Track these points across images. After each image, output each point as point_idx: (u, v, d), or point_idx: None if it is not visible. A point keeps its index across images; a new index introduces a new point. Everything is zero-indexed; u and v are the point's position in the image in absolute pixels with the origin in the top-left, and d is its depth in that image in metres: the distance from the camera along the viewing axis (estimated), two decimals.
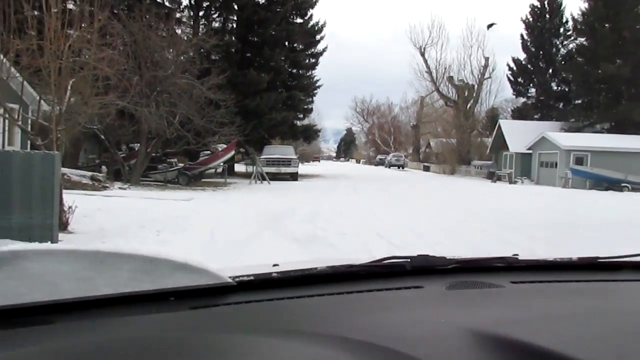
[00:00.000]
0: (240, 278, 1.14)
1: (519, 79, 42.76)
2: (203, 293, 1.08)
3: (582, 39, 36.51)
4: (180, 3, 26.47)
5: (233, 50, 25.91)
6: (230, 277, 1.11)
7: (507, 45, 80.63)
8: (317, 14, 48.44)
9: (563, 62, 39.17)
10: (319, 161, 79.68)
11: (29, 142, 13.80)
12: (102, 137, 18.92)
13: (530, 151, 31.86)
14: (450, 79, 46.95)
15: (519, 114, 42.10)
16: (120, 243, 7.34)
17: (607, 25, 33.06)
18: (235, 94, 21.63)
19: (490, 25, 45.78)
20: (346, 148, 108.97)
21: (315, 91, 32.76)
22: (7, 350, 0.81)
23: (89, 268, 0.96)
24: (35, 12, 8.71)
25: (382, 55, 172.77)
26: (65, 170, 13.61)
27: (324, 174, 35.35)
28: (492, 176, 33.52)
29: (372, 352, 0.85)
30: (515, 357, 0.83)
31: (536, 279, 1.39)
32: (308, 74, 31.91)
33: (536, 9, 41.49)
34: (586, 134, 31.48)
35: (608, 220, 12.16)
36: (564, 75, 38.62)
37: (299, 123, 32.50)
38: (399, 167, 56.59)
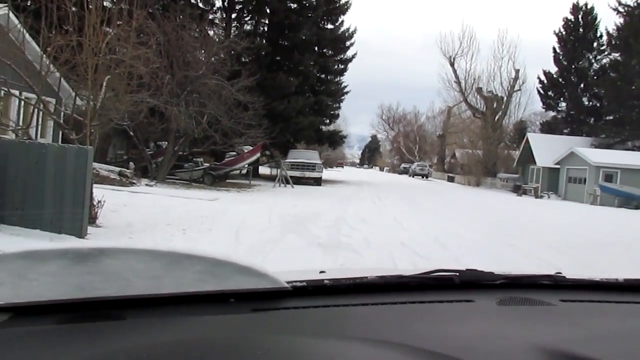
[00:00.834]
0: (294, 283, 1.17)
1: (550, 93, 42.11)
2: (261, 296, 1.11)
3: (616, 54, 35.87)
4: (214, 5, 26.81)
5: (263, 53, 26.06)
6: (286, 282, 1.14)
7: (539, 57, 79.82)
8: (347, 21, 48.72)
9: (595, 77, 38.50)
10: (342, 167, 79.65)
11: (60, 135, 14.15)
12: (132, 133, 19.21)
13: (558, 166, 31.35)
14: (479, 90, 46.51)
15: (548, 127, 41.48)
16: (147, 240, 7.43)
17: None
18: (264, 97, 21.77)
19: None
20: (370, 155, 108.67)
21: (343, 97, 32.81)
22: (84, 345, 0.85)
23: (162, 267, 1.01)
24: (74, 9, 8.89)
25: (410, 64, 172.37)
26: (94, 164, 13.84)
27: (348, 180, 35.30)
28: (518, 189, 33.06)
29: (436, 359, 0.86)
30: None
31: (585, 299, 1.39)
32: (336, 80, 31.97)
33: (570, 23, 40.86)
34: (617, 151, 30.83)
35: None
36: (596, 90, 37.93)
37: (324, 128, 32.54)
38: (423, 177, 56.17)
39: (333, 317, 1.14)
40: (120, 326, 0.97)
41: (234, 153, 24.25)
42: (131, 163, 20.27)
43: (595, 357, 0.89)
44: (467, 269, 1.40)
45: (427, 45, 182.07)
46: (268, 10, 26.78)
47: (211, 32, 24.57)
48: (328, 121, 32.91)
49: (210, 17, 26.24)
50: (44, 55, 8.61)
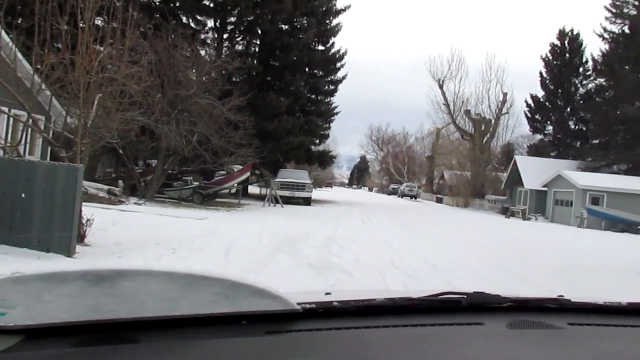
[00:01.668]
0: (304, 305, 1.18)
1: (537, 116, 42.70)
2: (272, 318, 1.12)
3: (602, 80, 36.58)
4: (205, 25, 27.01)
5: (254, 73, 26.19)
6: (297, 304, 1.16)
7: (526, 81, 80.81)
8: (338, 42, 48.86)
9: (581, 102, 39.14)
10: (331, 187, 79.68)
11: (49, 152, 14.05)
12: (121, 151, 19.12)
13: (545, 188, 31.63)
14: (468, 112, 47.02)
15: (535, 150, 41.95)
16: (136, 259, 7.36)
17: (627, 67, 33.07)
18: (254, 116, 21.83)
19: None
20: (359, 175, 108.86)
21: (333, 117, 32.98)
22: None
23: (178, 289, 1.01)
24: (66, 27, 8.91)
25: (400, 85, 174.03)
26: (83, 182, 13.74)
27: (337, 200, 35.31)
28: (506, 211, 33.27)
29: None
30: None
31: (591, 322, 1.41)
32: (326, 100, 32.16)
33: (556, 48, 41.67)
34: (603, 174, 31.19)
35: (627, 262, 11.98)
36: (582, 114, 38.51)
37: (314, 148, 32.63)
38: (411, 197, 56.36)
39: (345, 339, 1.15)
40: (133, 350, 0.96)
41: (224, 172, 24.20)
42: (120, 181, 20.14)
43: None
44: (474, 292, 1.41)
45: (417, 68, 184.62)
46: (259, 31, 27.01)
47: (203, 52, 24.69)
48: (318, 141, 33.01)
49: (202, 37, 26.41)
50: (36, 73, 8.59)
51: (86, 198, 13.17)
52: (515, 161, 36.15)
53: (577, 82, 41.15)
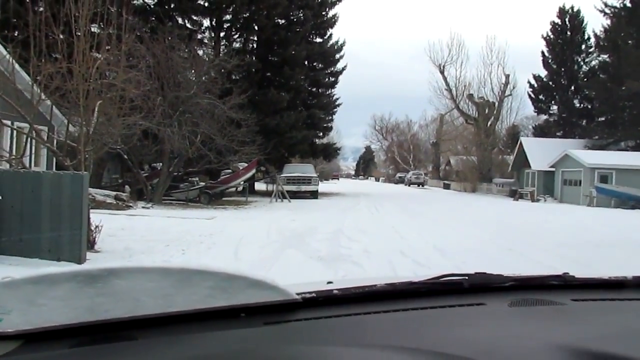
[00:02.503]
0: (304, 295, 1.16)
1: (541, 96, 42.40)
2: (271, 309, 1.11)
3: (605, 56, 36.18)
4: (202, 24, 26.98)
5: (254, 70, 26.16)
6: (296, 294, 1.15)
7: (528, 62, 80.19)
8: (336, 34, 48.61)
9: (585, 79, 38.79)
10: (338, 179, 79.67)
11: (54, 162, 14.12)
12: (125, 157, 19.18)
13: (552, 169, 31.44)
14: (470, 96, 46.74)
15: (541, 131, 41.71)
16: (145, 262, 7.39)
17: (630, 41, 32.70)
18: (256, 113, 21.85)
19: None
20: (365, 166, 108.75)
21: (335, 109, 32.92)
22: None
23: (172, 285, 1.01)
24: (61, 36, 8.93)
25: (401, 73, 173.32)
26: (90, 190, 13.78)
27: (344, 192, 35.30)
28: (514, 194, 33.13)
29: None
30: None
31: (596, 297, 1.40)
32: (328, 93, 32.09)
33: (557, 26, 41.29)
34: (611, 152, 30.97)
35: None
36: (587, 92, 38.22)
37: (318, 141, 32.61)
38: (418, 185, 56.25)
39: (345, 326, 1.14)
40: (131, 347, 0.96)
41: (229, 171, 24.24)
42: (127, 186, 20.20)
43: (616, 353, 0.90)
44: (476, 273, 1.40)
45: (417, 55, 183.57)
46: (256, 27, 26.94)
47: (200, 52, 24.68)
48: (321, 134, 32.98)
49: (199, 36, 26.41)
50: (35, 84, 8.62)
51: (94, 205, 13.26)
52: (521, 143, 35.94)
53: (580, 59, 40.80)
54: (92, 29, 9.19)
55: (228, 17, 26.65)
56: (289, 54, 27.02)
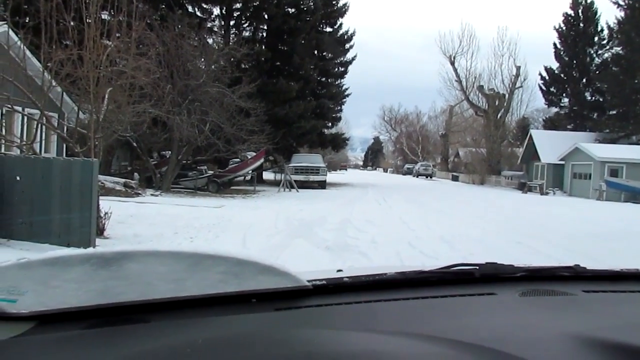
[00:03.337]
0: (315, 282, 1.17)
1: (552, 89, 41.98)
2: (282, 296, 1.12)
3: (618, 48, 35.74)
4: (212, 13, 26.91)
5: (263, 59, 26.11)
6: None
7: (539, 53, 79.47)
8: (346, 23, 48.62)
9: (597, 72, 38.34)
10: (346, 170, 79.60)
11: (64, 149, 14.21)
12: (135, 144, 19.27)
13: (562, 162, 31.22)
14: (481, 88, 46.40)
15: (551, 124, 41.35)
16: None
17: None
18: (265, 103, 21.82)
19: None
20: (373, 157, 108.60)
21: (344, 100, 32.83)
22: (109, 349, 0.86)
23: (184, 269, 1.01)
24: (72, 23, 8.94)
25: (411, 64, 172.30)
26: (99, 177, 13.88)
27: (352, 183, 35.28)
28: (523, 187, 32.97)
29: (482, 352, 0.87)
30: (621, 357, 0.86)
31: (607, 289, 1.39)
32: (337, 83, 32.00)
33: (570, 18, 40.76)
34: (621, 146, 30.70)
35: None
36: (599, 85, 37.78)
37: (327, 131, 32.56)
38: (427, 177, 56.12)
39: (356, 313, 1.15)
40: (144, 329, 0.97)
41: (238, 160, 24.29)
42: (135, 174, 20.32)
43: (630, 343, 0.90)
44: (486, 263, 1.40)
45: (427, 45, 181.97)
46: (266, 16, 26.85)
47: (210, 40, 24.69)
48: (330, 124, 32.93)
49: (209, 25, 26.38)
50: (45, 71, 8.65)
51: (103, 192, 13.34)
52: (531, 135, 35.68)
53: (592, 52, 40.27)
54: (103, 16, 9.21)
55: (238, 5, 26.57)
56: (298, 43, 26.93)
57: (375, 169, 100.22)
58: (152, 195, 16.83)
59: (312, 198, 19.43)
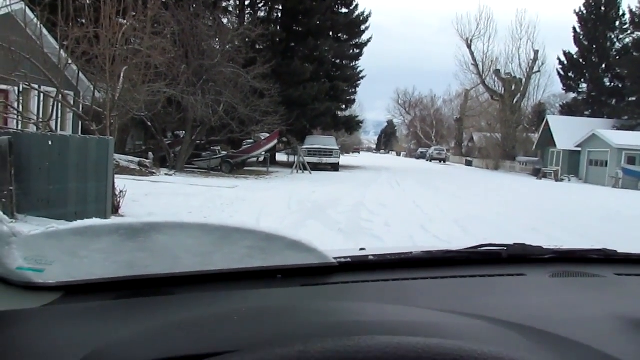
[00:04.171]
0: (340, 259, 1.16)
1: (570, 74, 41.32)
2: (308, 272, 1.11)
3: None
4: None
5: (278, 39, 25.94)
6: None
7: (558, 38, 77.85)
8: (362, 4, 47.90)
9: (618, 57, 37.61)
10: (359, 153, 79.37)
11: (80, 126, 14.30)
12: (149, 124, 19.33)
13: (579, 149, 30.83)
14: (497, 72, 45.78)
15: (569, 109, 40.78)
16: None
17: None
18: (280, 84, 21.72)
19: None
20: (386, 140, 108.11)
21: (359, 82, 32.53)
22: (136, 319, 0.86)
23: (212, 243, 1.00)
24: (88, 0, 8.93)
25: (427, 47, 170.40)
26: (115, 155, 13.99)
27: (365, 166, 35.21)
28: (538, 173, 32.67)
29: (522, 331, 0.84)
30: None
31: (639, 272, 1.37)
32: (352, 65, 31.71)
33: (591, 1, 39.90)
34: None
35: None
36: (618, 70, 37.11)
37: (341, 114, 32.36)
38: (440, 161, 55.81)
39: (383, 290, 1.13)
40: (169, 301, 0.97)
41: (251, 141, 24.30)
42: (150, 153, 20.42)
43: None
44: (514, 243, 1.38)
45: (444, 28, 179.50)
46: None
47: (225, 20, 24.50)
48: (344, 107, 32.72)
49: (224, 4, 26.14)
50: (62, 48, 8.67)
51: (118, 170, 13.43)
52: (547, 121, 35.23)
53: (613, 36, 39.48)
54: None
55: None
56: (313, 24, 26.68)
57: (389, 152, 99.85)
58: (166, 174, 16.93)
59: (325, 180, 19.43)
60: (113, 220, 1.01)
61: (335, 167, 26.43)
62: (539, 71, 44.88)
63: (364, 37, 31.13)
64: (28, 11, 10.03)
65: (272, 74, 21.19)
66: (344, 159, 35.82)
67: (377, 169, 31.70)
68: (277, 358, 0.60)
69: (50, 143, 7.19)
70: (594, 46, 39.69)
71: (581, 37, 40.37)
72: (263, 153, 23.83)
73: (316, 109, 26.40)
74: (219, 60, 18.89)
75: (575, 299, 1.09)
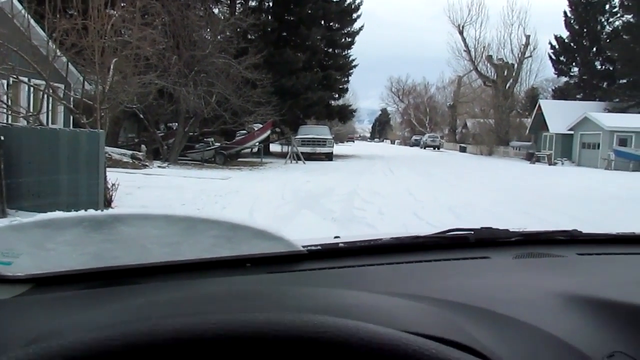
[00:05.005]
0: (310, 247, 1.17)
1: (562, 58, 41.36)
2: (277, 260, 1.12)
3: (629, 16, 35.04)
4: None
5: (269, 29, 25.77)
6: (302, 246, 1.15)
7: (550, 22, 77.86)
8: None
9: (608, 40, 37.65)
10: (353, 141, 79.29)
11: (70, 120, 14.21)
12: (142, 116, 19.21)
13: (571, 132, 30.96)
14: (489, 58, 45.77)
15: (561, 93, 40.85)
16: None
17: None
18: (272, 74, 21.60)
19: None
20: (381, 128, 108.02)
21: (351, 71, 32.41)
22: (104, 306, 0.86)
23: (178, 233, 1.01)
24: None
25: (419, 34, 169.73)
26: (106, 148, 13.88)
27: (359, 155, 35.21)
28: (531, 157, 32.78)
29: (471, 312, 0.87)
30: (614, 314, 0.88)
31: (601, 252, 1.39)
32: (344, 54, 31.57)
33: None
34: (631, 115, 30.33)
35: None
36: (609, 53, 37.15)
37: (334, 103, 32.27)
38: (434, 148, 55.89)
39: (350, 276, 1.15)
40: (139, 289, 0.97)
41: (245, 132, 24.23)
42: (143, 146, 20.34)
43: (615, 299, 0.91)
44: (482, 227, 1.40)
45: (436, 15, 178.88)
46: None
47: (216, 10, 24.32)
48: (337, 96, 32.62)
49: None
50: (50, 40, 8.59)
51: (110, 163, 13.39)
52: (539, 106, 35.31)
53: (603, 20, 39.48)
54: None
55: None
56: (305, 13, 26.52)
57: (383, 140, 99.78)
58: (159, 167, 16.88)
59: (318, 170, 19.43)
60: (75, 212, 1.01)
61: (329, 157, 26.41)
62: (530, 56, 44.99)
63: (356, 26, 31.01)
64: (15, 2, 9.93)
65: (264, 64, 21.07)
66: (338, 148, 35.79)
67: (371, 158, 31.71)
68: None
69: (40, 137, 7.15)
70: (585, 30, 39.69)
71: (572, 21, 40.35)
72: (257, 144, 23.77)
73: (309, 99, 26.31)
74: (211, 51, 18.77)
75: (531, 280, 1.11)
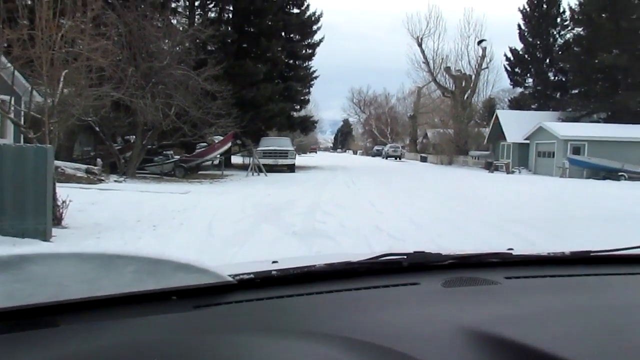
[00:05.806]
0: (241, 276, 1.15)
1: (516, 69, 42.56)
2: (205, 292, 1.08)
3: (579, 29, 36.41)
4: None
5: (229, 40, 25.58)
6: (230, 276, 1.12)
7: (505, 35, 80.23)
8: (313, 4, 47.88)
9: (560, 52, 39.04)
10: (316, 152, 79.42)
11: (21, 136, 13.66)
12: (97, 129, 18.69)
13: (527, 141, 31.79)
14: (448, 69, 46.73)
15: (517, 104, 41.97)
16: (115, 238, 7.20)
17: (604, 15, 32.91)
18: (232, 85, 21.40)
19: (480, 42, 45.80)
20: (343, 139, 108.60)
21: (312, 82, 32.53)
22: (16, 356, 0.80)
23: (93, 270, 0.95)
24: (26, 2, 8.50)
25: (379, 46, 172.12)
26: (59, 163, 13.42)
27: (322, 166, 35.20)
28: (490, 166, 33.47)
29: (371, 351, 0.86)
30: (506, 355, 0.85)
31: (530, 274, 1.40)
32: (305, 65, 31.66)
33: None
34: (583, 124, 31.42)
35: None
36: (561, 65, 38.47)
37: (295, 114, 32.28)
38: (396, 158, 56.49)
39: (278, 309, 1.12)
40: (55, 333, 0.90)
41: (205, 144, 23.88)
42: (99, 159, 19.73)
43: (509, 338, 0.89)
44: (415, 252, 1.39)
45: (395, 27, 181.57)
46: None
47: (174, 21, 24.00)
48: (299, 107, 32.65)
49: (173, 5, 25.57)
50: None
51: (63, 179, 12.92)
52: (496, 116, 36.16)
53: (555, 32, 40.92)
54: None
55: None
56: (265, 25, 26.48)
57: (345, 151, 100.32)
58: (116, 181, 16.39)
59: (280, 182, 19.26)
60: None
61: (291, 168, 26.30)
62: (487, 67, 46.16)
63: (317, 37, 31.18)
64: None
65: (225, 76, 20.87)
66: (301, 160, 35.71)
67: (334, 169, 31.74)
68: None
69: None
70: (538, 42, 41.01)
71: (526, 34, 41.63)
72: (217, 156, 23.45)
73: (270, 110, 26.21)
74: (169, 62, 18.44)
75: (452, 311, 1.09)
